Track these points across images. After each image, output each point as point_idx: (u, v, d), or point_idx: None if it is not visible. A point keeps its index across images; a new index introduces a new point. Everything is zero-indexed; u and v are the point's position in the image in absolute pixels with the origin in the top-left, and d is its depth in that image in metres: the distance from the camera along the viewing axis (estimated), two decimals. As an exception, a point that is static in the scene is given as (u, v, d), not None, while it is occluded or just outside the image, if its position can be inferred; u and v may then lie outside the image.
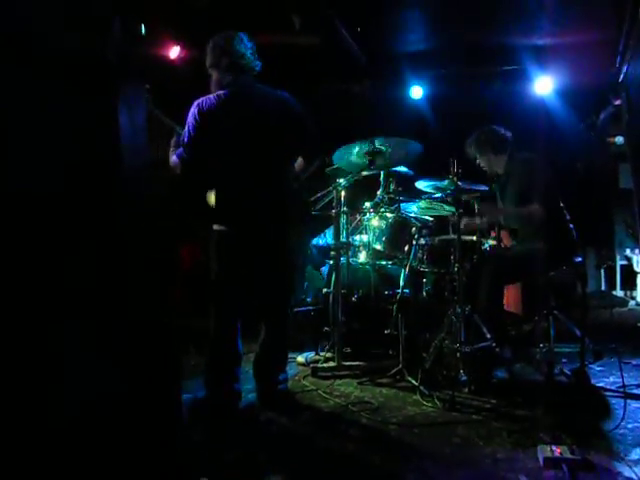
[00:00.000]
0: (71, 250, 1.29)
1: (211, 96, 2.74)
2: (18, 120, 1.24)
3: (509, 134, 3.60)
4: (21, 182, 1.24)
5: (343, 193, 3.64)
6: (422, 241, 3.51)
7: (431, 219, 3.79)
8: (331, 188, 3.66)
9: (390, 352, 3.53)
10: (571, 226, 3.41)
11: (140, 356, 1.38)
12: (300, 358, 3.73)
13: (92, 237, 1.32)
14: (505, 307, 3.65)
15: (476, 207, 3.53)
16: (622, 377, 2.71)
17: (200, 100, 2.73)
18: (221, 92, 2.74)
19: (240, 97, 2.76)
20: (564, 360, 3.38)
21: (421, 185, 3.50)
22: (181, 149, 2.75)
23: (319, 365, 3.49)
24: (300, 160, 3.00)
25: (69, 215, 1.29)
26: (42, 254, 1.26)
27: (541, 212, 3.28)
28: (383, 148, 3.30)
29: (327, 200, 3.82)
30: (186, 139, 2.72)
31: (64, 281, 1.27)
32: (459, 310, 3.07)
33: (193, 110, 2.71)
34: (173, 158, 2.81)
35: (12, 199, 1.22)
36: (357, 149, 3.34)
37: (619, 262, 6.27)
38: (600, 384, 3.06)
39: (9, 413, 1.19)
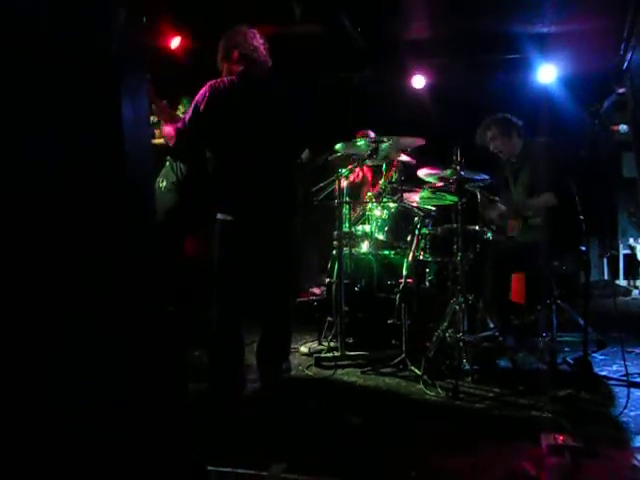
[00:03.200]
0: (74, 246, 1.29)
1: (225, 79, 2.74)
2: (20, 114, 1.24)
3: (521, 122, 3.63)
4: (27, 177, 1.24)
5: (345, 183, 3.64)
6: (425, 230, 3.51)
7: (434, 208, 3.78)
8: (333, 178, 3.66)
9: (393, 342, 3.53)
10: (581, 217, 3.40)
11: (144, 351, 1.38)
12: (303, 348, 3.74)
13: (96, 231, 1.31)
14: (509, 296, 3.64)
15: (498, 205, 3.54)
16: (625, 366, 2.71)
17: (213, 82, 2.72)
18: (233, 77, 2.74)
19: (249, 86, 2.76)
20: (567, 349, 3.38)
21: (423, 174, 3.49)
22: (180, 122, 2.71)
23: (322, 355, 3.50)
24: (307, 152, 3.00)
25: (72, 210, 1.28)
26: (44, 251, 1.25)
27: (554, 200, 3.31)
28: (385, 139, 3.30)
29: (329, 190, 3.81)
30: (191, 114, 2.68)
31: (67, 278, 1.27)
32: (462, 299, 3.07)
33: (205, 90, 2.69)
34: (167, 129, 2.77)
35: (19, 193, 1.22)
36: (360, 142, 3.34)
37: (622, 251, 6.25)
38: (603, 373, 3.07)
39: (13, 411, 1.19)
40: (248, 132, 2.71)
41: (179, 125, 2.71)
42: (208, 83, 2.71)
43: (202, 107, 2.66)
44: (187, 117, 2.70)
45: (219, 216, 2.76)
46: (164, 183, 3.72)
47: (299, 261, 4.37)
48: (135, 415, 1.34)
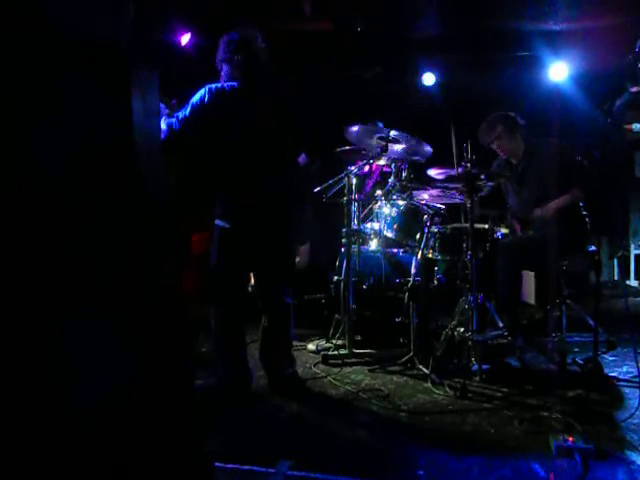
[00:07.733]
0: (85, 236, 1.29)
1: (225, 84, 2.73)
2: (28, 107, 1.23)
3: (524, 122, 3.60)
4: (35, 170, 1.24)
5: (354, 180, 3.63)
6: (434, 229, 3.49)
7: (443, 207, 3.76)
8: (342, 175, 3.65)
9: (401, 340, 3.52)
10: (584, 213, 3.38)
11: (154, 344, 1.37)
12: (311, 345, 3.74)
13: (104, 226, 1.31)
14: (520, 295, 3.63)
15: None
16: (638, 367, 2.67)
17: (213, 85, 2.70)
18: (234, 83, 2.73)
19: (248, 93, 2.75)
20: (576, 349, 3.35)
21: (433, 173, 3.47)
22: (174, 119, 2.68)
23: (330, 352, 3.49)
24: (303, 157, 3.01)
25: (80, 204, 1.28)
26: (56, 241, 1.25)
27: (581, 195, 3.32)
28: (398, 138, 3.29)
29: (338, 188, 3.79)
30: (187, 114, 2.66)
31: (79, 267, 1.27)
32: (471, 298, 3.05)
33: (203, 92, 2.68)
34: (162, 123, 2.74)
35: (27, 186, 1.21)
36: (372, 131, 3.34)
37: (633, 251, 6.19)
38: (613, 374, 3.03)
39: (18, 405, 1.19)
40: (246, 140, 2.71)
41: (173, 122, 2.68)
42: (207, 86, 2.69)
43: (200, 110, 2.65)
44: (182, 116, 2.67)
45: (217, 222, 2.77)
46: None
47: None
48: (143, 410, 1.34)
